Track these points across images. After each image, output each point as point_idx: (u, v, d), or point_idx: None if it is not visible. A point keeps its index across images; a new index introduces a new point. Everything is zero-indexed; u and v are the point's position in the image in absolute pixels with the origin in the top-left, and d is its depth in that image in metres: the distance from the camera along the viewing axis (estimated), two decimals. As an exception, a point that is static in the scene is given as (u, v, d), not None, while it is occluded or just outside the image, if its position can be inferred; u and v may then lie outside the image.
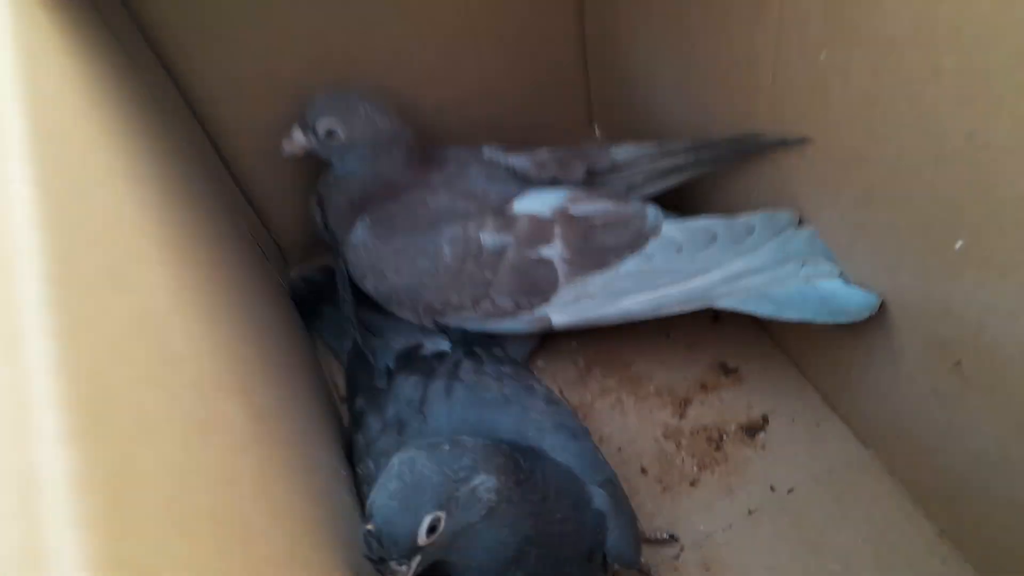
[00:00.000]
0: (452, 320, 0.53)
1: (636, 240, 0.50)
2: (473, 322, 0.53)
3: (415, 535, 0.33)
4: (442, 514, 0.34)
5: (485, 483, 0.35)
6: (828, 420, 0.54)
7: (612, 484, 0.43)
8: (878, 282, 0.44)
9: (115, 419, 0.19)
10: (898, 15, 0.35)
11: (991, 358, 0.38)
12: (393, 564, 0.33)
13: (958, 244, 0.36)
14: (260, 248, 0.60)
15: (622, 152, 0.55)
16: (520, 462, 0.38)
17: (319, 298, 0.61)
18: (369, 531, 0.33)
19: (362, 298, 0.56)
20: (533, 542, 0.37)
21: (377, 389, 0.49)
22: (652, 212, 0.51)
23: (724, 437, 0.54)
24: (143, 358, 0.24)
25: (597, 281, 0.50)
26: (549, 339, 0.60)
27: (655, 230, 0.50)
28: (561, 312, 0.52)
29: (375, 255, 0.53)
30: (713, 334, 0.59)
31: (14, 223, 0.21)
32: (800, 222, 0.48)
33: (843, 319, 0.45)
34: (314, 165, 0.57)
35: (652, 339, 0.59)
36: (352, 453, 0.48)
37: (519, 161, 0.55)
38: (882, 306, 0.44)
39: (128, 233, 0.29)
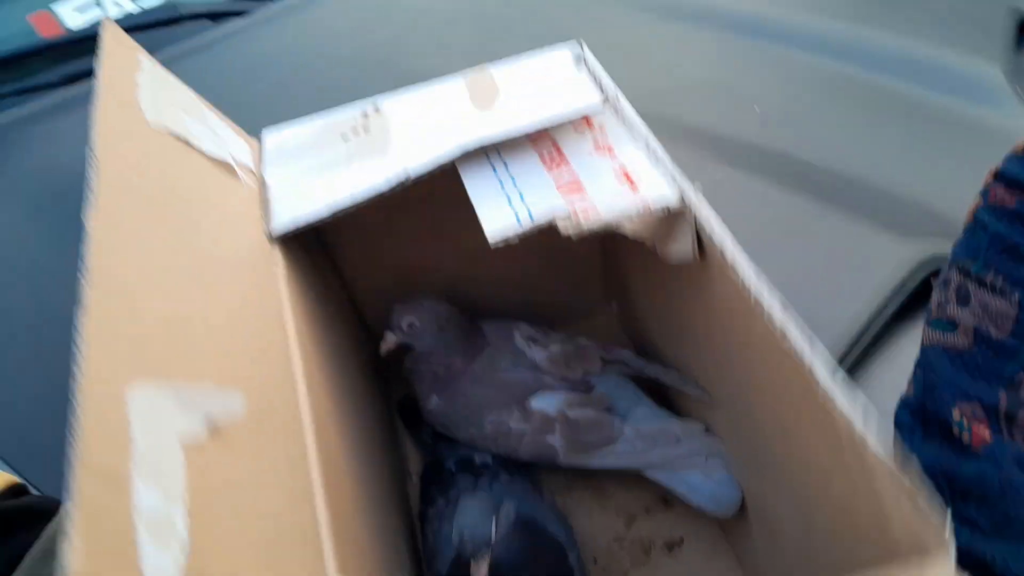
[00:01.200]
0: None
1: (608, 439, 0.77)
2: None
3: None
4: None
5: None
6: (722, 553, 0.79)
7: (579, 558, 0.72)
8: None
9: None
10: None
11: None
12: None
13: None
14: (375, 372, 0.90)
15: (613, 355, 0.83)
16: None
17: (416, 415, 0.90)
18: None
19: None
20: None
21: (445, 482, 0.78)
22: (618, 422, 0.78)
23: (652, 547, 0.80)
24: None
25: (582, 457, 0.78)
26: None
27: (620, 433, 0.77)
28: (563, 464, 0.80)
29: (445, 421, 0.82)
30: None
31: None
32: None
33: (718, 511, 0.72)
34: None
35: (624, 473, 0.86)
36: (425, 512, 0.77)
37: (539, 355, 0.83)
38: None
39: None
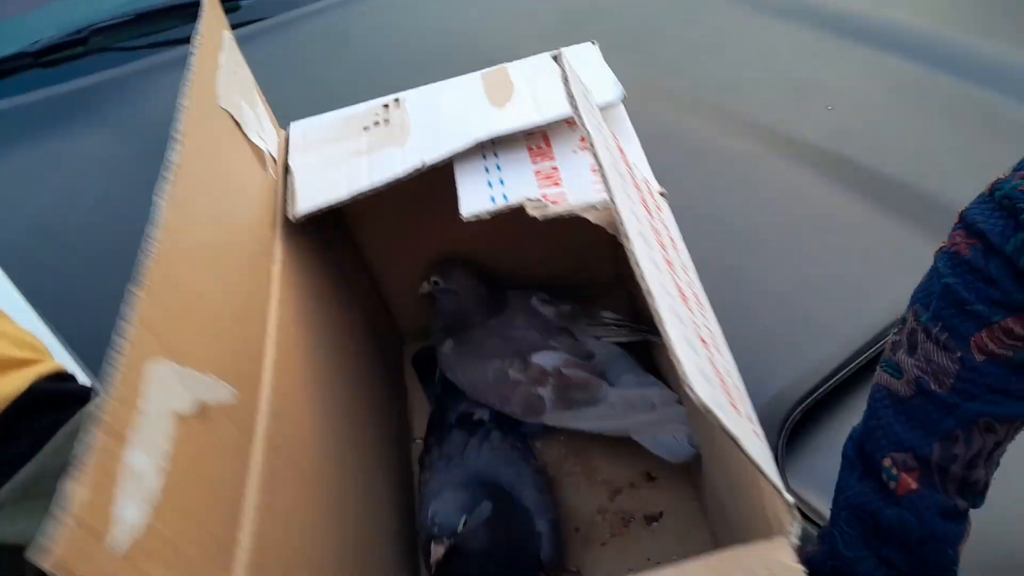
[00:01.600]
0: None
1: (592, 399, 0.83)
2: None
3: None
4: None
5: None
6: (699, 529, 0.84)
7: (554, 522, 0.78)
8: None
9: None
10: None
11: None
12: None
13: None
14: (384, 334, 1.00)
15: (609, 315, 0.89)
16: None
17: (430, 366, 1.00)
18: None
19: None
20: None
21: (442, 434, 0.86)
22: (605, 386, 0.83)
23: (632, 520, 0.86)
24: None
25: (567, 415, 0.84)
26: (549, 430, 0.94)
27: (605, 396, 0.82)
28: (548, 420, 0.86)
29: (453, 363, 0.90)
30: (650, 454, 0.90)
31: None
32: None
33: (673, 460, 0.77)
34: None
35: (614, 445, 0.91)
36: (423, 459, 0.87)
37: (550, 311, 0.90)
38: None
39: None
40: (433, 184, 0.69)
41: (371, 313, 0.94)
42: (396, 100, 0.78)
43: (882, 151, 1.07)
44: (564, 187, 0.66)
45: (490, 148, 0.70)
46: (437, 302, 0.93)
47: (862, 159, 1.07)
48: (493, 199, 0.65)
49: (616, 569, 0.83)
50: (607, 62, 0.79)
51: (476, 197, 0.66)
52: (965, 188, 0.55)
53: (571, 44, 0.81)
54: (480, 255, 0.94)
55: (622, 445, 0.90)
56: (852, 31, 1.30)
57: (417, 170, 0.69)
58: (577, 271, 0.98)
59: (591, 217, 0.65)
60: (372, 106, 0.78)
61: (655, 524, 0.85)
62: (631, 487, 0.88)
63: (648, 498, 0.87)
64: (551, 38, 0.87)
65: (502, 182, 0.67)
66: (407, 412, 0.99)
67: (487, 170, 0.68)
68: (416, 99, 0.78)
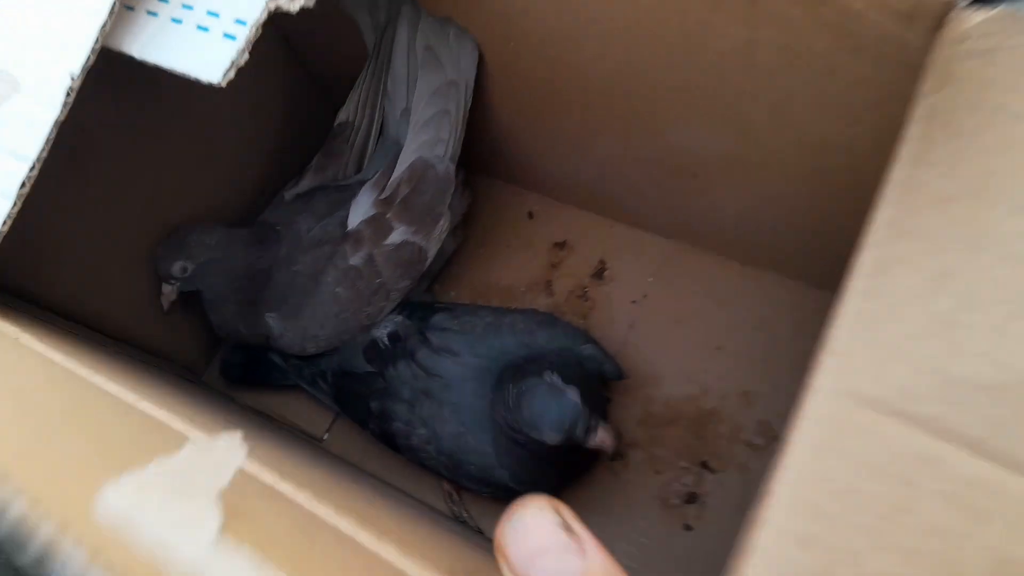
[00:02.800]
0: (382, 319, 0.67)
1: (436, 175, 0.64)
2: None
3: None
4: None
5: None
6: (640, 237, 0.73)
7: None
8: (623, 150, 0.62)
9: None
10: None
11: (707, 165, 0.58)
12: None
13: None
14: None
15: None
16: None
17: (256, 366, 0.74)
18: None
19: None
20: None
21: (382, 389, 0.63)
22: (424, 159, 0.64)
23: (586, 289, 0.73)
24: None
25: (443, 226, 0.66)
26: (439, 279, 0.76)
27: (446, 169, 0.65)
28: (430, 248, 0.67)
29: (300, 331, 0.65)
30: (535, 226, 0.77)
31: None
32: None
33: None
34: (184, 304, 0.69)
35: (500, 256, 0.76)
36: (391, 438, 0.63)
37: (306, 183, 0.69)
38: (638, 159, 0.63)
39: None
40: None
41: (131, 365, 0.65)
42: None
43: None
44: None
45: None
46: (204, 296, 0.67)
47: None
48: (227, 35, 0.43)
49: (620, 333, 0.70)
50: None
51: (201, 51, 0.43)
52: None
53: None
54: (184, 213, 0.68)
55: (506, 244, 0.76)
56: None
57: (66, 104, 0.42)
58: (296, 132, 0.76)
59: None
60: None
61: (606, 272, 0.73)
62: (554, 268, 0.75)
63: (578, 261, 0.75)
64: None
65: (209, 12, 0.44)
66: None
67: (177, 21, 0.44)
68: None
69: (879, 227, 0.31)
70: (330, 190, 0.68)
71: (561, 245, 0.76)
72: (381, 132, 0.69)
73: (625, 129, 0.59)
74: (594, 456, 0.62)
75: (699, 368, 0.68)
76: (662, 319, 0.70)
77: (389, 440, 0.63)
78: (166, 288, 0.65)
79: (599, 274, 0.74)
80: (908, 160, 0.32)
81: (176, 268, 0.63)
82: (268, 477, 0.32)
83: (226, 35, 0.43)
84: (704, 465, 0.65)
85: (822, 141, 0.49)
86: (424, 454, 0.61)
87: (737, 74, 0.47)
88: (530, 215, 0.78)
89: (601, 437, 0.53)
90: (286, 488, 0.32)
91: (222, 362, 0.75)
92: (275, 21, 0.42)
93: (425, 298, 0.71)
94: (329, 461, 0.61)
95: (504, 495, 0.59)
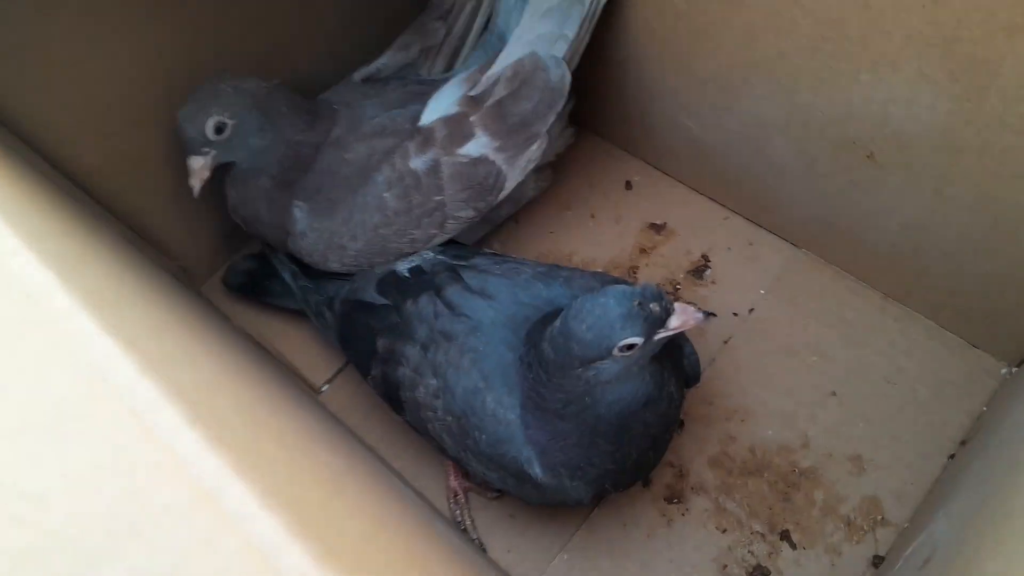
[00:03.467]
0: (426, 250, 0.53)
1: (545, 84, 0.50)
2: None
3: None
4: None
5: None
6: (759, 237, 0.59)
7: None
8: (778, 108, 0.48)
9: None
10: None
11: (898, 143, 0.43)
12: None
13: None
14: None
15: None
16: None
17: (262, 279, 0.60)
18: None
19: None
20: None
21: (394, 324, 0.49)
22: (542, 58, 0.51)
23: (678, 287, 0.59)
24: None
25: (535, 154, 0.52)
26: (498, 234, 0.62)
27: (548, 62, 0.50)
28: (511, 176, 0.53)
29: (326, 234, 0.52)
30: (632, 200, 0.63)
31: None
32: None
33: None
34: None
35: (581, 226, 0.62)
36: (394, 388, 0.49)
37: (383, 62, 0.56)
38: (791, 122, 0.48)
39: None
40: None
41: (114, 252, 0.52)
42: None
43: None
44: None
45: None
46: (234, 168, 0.52)
47: None
48: None
49: (710, 350, 0.56)
50: None
51: None
52: None
53: None
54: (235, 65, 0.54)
55: (588, 213, 0.64)
56: None
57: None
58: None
59: None
60: None
61: (708, 272, 0.59)
62: (644, 254, 0.61)
63: (675, 250, 0.61)
64: None
65: None
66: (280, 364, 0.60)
67: None
68: None
69: None
70: (410, 81, 0.55)
71: (659, 228, 0.61)
72: (488, 22, 0.55)
73: (793, 74, 0.45)
74: (671, 433, 0.46)
75: (804, 414, 0.53)
76: (768, 343, 0.55)
77: (392, 392, 0.49)
78: (195, 162, 0.50)
79: (699, 272, 0.59)
80: None
81: (211, 125, 0.48)
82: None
83: None
84: (784, 536, 0.50)
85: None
86: (430, 413, 0.46)
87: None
88: (628, 185, 0.64)
89: (683, 310, 0.38)
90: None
91: (228, 267, 0.62)
92: None
93: (471, 241, 0.57)
94: (317, 420, 0.47)
95: (524, 490, 0.45)
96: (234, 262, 0.62)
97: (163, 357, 0.25)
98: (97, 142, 0.52)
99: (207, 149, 0.49)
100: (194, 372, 0.26)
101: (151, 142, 0.54)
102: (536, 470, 0.42)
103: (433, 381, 0.45)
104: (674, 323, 0.38)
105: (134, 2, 0.48)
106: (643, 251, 0.61)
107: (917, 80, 0.39)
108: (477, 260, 0.50)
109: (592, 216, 0.63)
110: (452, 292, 0.47)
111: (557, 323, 0.39)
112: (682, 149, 0.59)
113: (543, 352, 0.39)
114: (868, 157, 0.45)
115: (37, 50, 0.46)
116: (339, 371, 0.59)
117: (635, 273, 0.60)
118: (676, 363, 0.44)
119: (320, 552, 0.20)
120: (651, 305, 0.38)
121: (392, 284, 0.50)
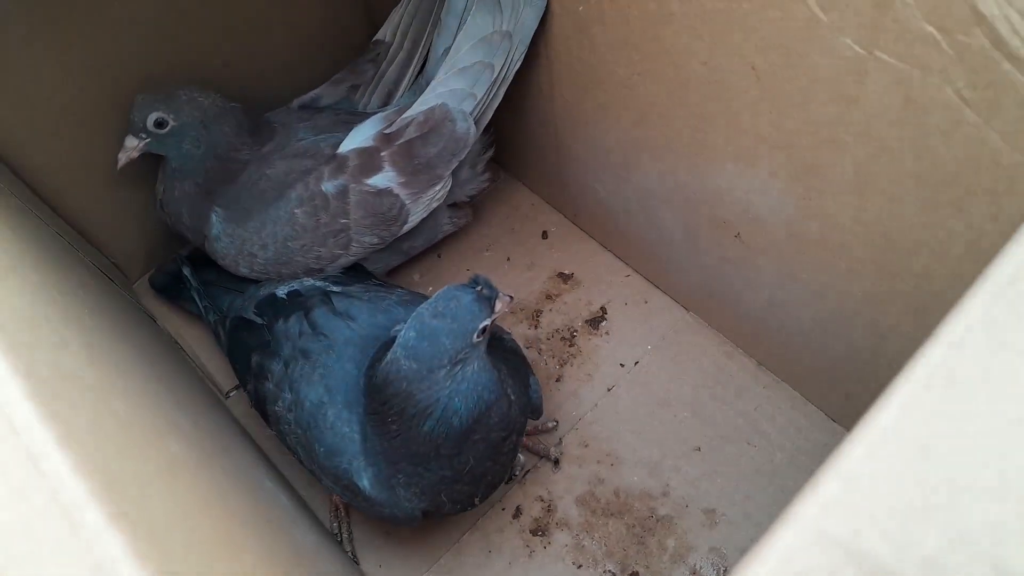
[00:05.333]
0: (332, 270, 0.58)
1: (453, 136, 0.54)
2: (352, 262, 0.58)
3: None
4: None
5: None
6: (653, 297, 0.63)
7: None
8: (665, 184, 0.52)
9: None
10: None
11: (760, 228, 0.47)
12: None
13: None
14: (104, 273, 0.61)
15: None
16: None
17: (182, 286, 0.63)
18: None
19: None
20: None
21: (265, 342, 0.52)
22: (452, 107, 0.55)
23: (575, 334, 0.63)
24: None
25: (433, 180, 0.56)
26: (407, 268, 0.66)
27: (459, 112, 0.54)
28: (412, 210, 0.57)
29: (238, 241, 0.56)
30: (545, 249, 0.67)
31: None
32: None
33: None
34: (138, 185, 0.60)
35: (497, 267, 0.66)
36: (262, 403, 0.52)
37: (318, 93, 0.61)
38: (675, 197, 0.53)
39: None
40: None
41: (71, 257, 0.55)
42: None
43: None
44: None
45: None
46: (166, 164, 0.57)
47: None
48: None
49: (594, 396, 0.60)
50: None
51: None
52: None
53: None
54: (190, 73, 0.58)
55: (505, 256, 0.68)
56: None
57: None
58: (323, 41, 0.66)
59: None
60: None
61: (604, 323, 0.63)
62: (549, 300, 0.65)
63: (578, 300, 0.64)
64: None
65: None
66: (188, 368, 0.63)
67: None
68: None
69: (922, 365, 0.21)
70: (342, 112, 0.59)
71: (567, 277, 0.66)
72: (423, 68, 0.60)
73: (677, 157, 0.49)
74: (511, 457, 0.49)
75: (669, 464, 0.57)
76: (646, 395, 0.60)
77: (261, 406, 0.52)
78: (130, 141, 0.54)
79: (595, 322, 0.63)
80: (993, 286, 0.22)
81: (153, 119, 0.53)
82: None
83: None
84: (634, 577, 0.54)
85: (905, 233, 0.38)
86: (285, 427, 0.49)
87: (831, 107, 0.37)
88: (544, 234, 0.68)
89: (501, 300, 0.44)
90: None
91: (156, 268, 0.66)
92: None
93: (386, 268, 0.62)
94: (208, 420, 0.51)
95: (357, 502, 0.48)
96: (162, 264, 0.66)
97: (30, 343, 0.29)
98: (46, 142, 0.56)
99: (144, 136, 0.54)
100: (56, 359, 0.30)
101: (97, 145, 0.57)
102: (364, 482, 0.46)
103: (288, 395, 0.49)
104: (498, 306, 0.43)
105: (92, 16, 0.52)
106: (548, 297, 0.65)
107: (769, 177, 0.43)
108: (353, 287, 0.54)
109: (508, 259, 0.67)
110: (318, 313, 0.51)
111: (410, 334, 0.42)
112: (592, 208, 0.63)
113: (398, 368, 0.42)
114: (736, 237, 0.49)
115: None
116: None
117: (538, 316, 0.64)
118: (520, 394, 0.48)
119: (137, 535, 0.24)
120: (485, 291, 0.43)
121: (269, 304, 0.54)
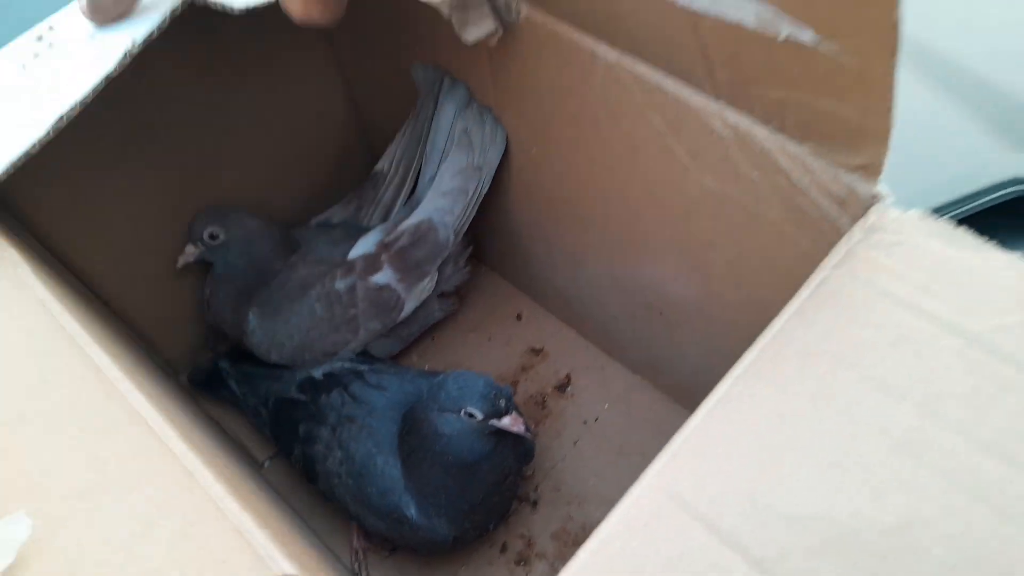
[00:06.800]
0: (346, 354, 0.71)
1: (436, 245, 0.70)
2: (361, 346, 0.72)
3: None
4: None
5: None
6: (609, 364, 0.77)
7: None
8: (605, 276, 0.67)
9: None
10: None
11: (677, 308, 0.62)
12: None
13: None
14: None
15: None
16: None
17: (217, 382, 0.77)
18: None
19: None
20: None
21: (311, 414, 0.66)
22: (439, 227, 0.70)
23: (546, 398, 0.76)
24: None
25: (427, 286, 0.71)
26: (407, 351, 0.79)
27: (448, 234, 0.70)
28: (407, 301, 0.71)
29: (270, 333, 0.70)
30: (520, 328, 0.81)
31: None
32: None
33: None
34: (186, 289, 0.74)
35: (481, 346, 0.80)
36: (311, 463, 0.65)
37: (331, 212, 0.77)
38: (613, 287, 0.67)
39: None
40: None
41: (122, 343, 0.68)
42: (50, 28, 0.55)
43: None
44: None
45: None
46: (213, 270, 0.71)
47: None
48: None
49: (563, 449, 0.73)
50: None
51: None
52: None
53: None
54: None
55: (486, 336, 0.81)
56: None
57: (55, 127, 0.47)
58: (334, 173, 0.82)
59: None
60: (29, 35, 0.55)
61: (569, 388, 0.77)
62: (524, 371, 0.78)
63: (548, 370, 0.78)
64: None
65: None
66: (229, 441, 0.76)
67: None
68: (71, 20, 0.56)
69: (744, 365, 0.35)
70: (351, 227, 0.75)
71: (538, 351, 0.79)
72: (414, 190, 0.75)
73: (611, 256, 0.64)
74: (512, 492, 0.64)
75: (625, 502, 0.69)
76: (605, 446, 0.73)
77: (309, 466, 0.65)
78: (189, 248, 0.69)
79: (562, 387, 0.77)
80: (789, 314, 0.36)
81: (208, 232, 0.68)
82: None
83: None
84: (602, 596, 0.65)
85: (770, 305, 0.52)
86: (336, 479, 0.63)
87: (705, 221, 0.51)
88: (519, 317, 0.82)
89: (516, 419, 0.57)
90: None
91: (192, 367, 0.80)
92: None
93: (390, 353, 0.76)
94: (259, 484, 0.64)
95: (404, 531, 0.61)
96: (198, 364, 0.79)
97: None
98: (110, 253, 0.69)
99: (200, 244, 0.69)
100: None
101: (154, 258, 0.71)
102: (412, 511, 0.59)
103: (339, 453, 0.62)
104: (505, 421, 0.56)
105: (153, 159, 0.67)
106: (524, 369, 0.78)
107: (675, 270, 0.58)
108: (377, 365, 0.69)
109: (489, 339, 0.81)
110: (356, 387, 0.65)
111: (447, 380, 0.57)
112: (554, 295, 0.77)
113: (424, 407, 0.57)
114: (660, 315, 0.64)
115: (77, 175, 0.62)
116: (277, 452, 0.75)
117: (516, 385, 0.77)
118: (517, 443, 0.61)
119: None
120: (500, 400, 0.56)
121: (309, 385, 0.68)
